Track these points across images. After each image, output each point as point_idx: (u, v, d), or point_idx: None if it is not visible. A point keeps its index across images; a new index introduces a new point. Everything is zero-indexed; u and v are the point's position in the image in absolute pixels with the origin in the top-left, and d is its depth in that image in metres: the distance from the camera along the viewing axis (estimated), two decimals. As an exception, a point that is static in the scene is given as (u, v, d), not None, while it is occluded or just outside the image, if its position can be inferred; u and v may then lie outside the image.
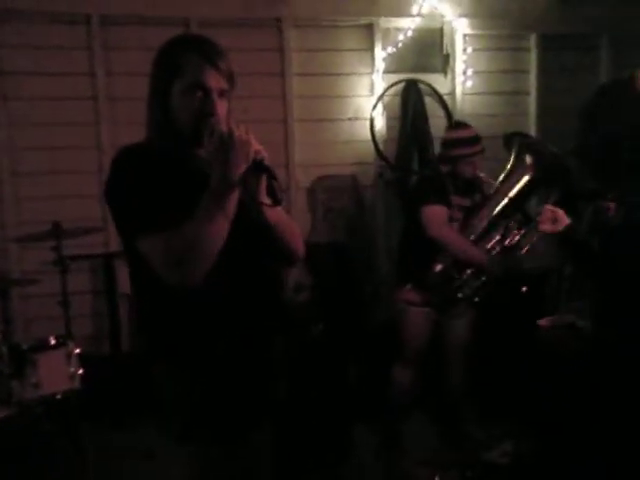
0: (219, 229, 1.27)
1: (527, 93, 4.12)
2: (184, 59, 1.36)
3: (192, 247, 1.25)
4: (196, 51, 1.37)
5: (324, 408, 3.07)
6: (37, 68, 3.40)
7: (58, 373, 2.61)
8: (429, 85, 3.93)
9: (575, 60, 4.10)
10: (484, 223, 2.75)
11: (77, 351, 2.70)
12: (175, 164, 1.37)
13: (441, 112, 3.99)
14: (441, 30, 3.94)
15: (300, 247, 1.56)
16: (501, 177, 2.77)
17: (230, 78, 1.40)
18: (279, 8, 3.69)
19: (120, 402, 3.00)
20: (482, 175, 2.77)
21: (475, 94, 4.03)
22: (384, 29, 3.85)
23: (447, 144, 2.85)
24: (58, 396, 2.59)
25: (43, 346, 2.64)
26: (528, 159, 2.69)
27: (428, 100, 3.94)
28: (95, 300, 3.56)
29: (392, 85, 3.87)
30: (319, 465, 2.80)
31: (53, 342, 2.67)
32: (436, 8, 3.84)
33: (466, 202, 2.82)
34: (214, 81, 1.36)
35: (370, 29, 3.84)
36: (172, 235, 1.25)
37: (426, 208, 2.72)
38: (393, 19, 3.84)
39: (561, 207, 2.55)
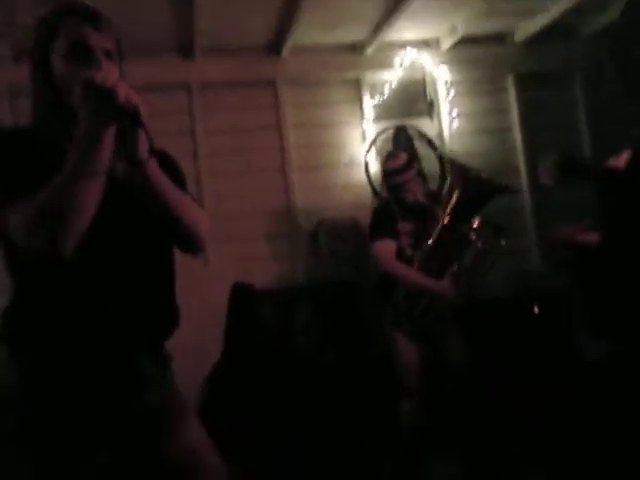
0: (88, 187, 1.13)
1: (510, 130, 4.35)
2: (60, 22, 1.27)
3: (58, 206, 1.12)
4: (73, 12, 1.29)
5: (340, 446, 3.07)
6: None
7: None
8: (417, 129, 4.18)
9: (552, 97, 4.36)
10: (429, 247, 2.84)
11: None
12: (45, 147, 1.24)
13: (432, 153, 4.21)
14: (423, 79, 4.23)
15: (201, 228, 1.36)
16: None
17: (116, 42, 1.31)
18: (273, 69, 4.00)
19: None
20: (423, 199, 2.91)
21: (462, 135, 4.26)
22: (370, 82, 4.15)
23: (383, 175, 3.05)
24: None
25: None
26: (456, 181, 2.83)
27: (418, 143, 4.17)
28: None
29: (382, 132, 4.12)
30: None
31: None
32: (417, 59, 4.14)
33: (411, 227, 2.93)
34: (95, 39, 1.26)
35: (357, 83, 4.14)
36: (37, 198, 1.13)
37: (373, 244, 2.91)
38: (378, 72, 4.14)
39: None
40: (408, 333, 2.90)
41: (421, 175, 3.09)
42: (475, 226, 2.80)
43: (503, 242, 2.83)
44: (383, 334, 3.11)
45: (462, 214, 2.80)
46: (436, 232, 2.82)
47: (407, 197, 2.94)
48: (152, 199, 1.27)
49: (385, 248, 2.88)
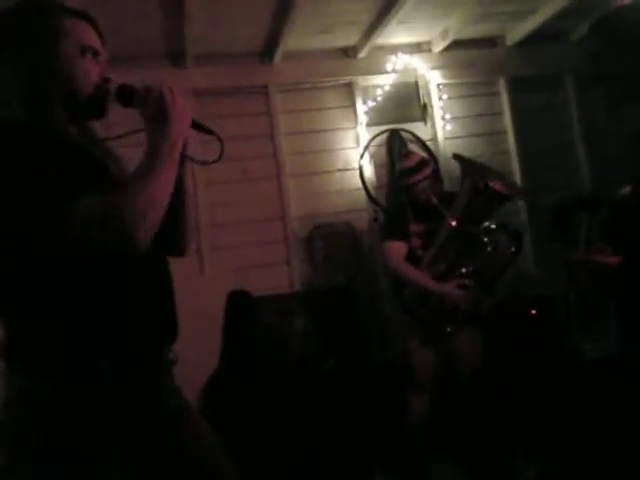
0: (168, 185, 1.20)
1: (504, 133, 4.35)
2: (64, 20, 1.28)
3: (151, 200, 1.14)
4: (77, 14, 1.30)
5: (342, 450, 3.05)
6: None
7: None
8: (411, 133, 4.17)
9: (544, 99, 4.37)
10: (436, 249, 2.81)
11: None
12: (53, 140, 1.22)
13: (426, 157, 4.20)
14: (416, 82, 4.23)
15: (193, 237, 1.49)
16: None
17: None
18: (265, 76, 3.99)
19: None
20: (435, 201, 2.83)
21: (456, 138, 4.26)
22: (363, 86, 4.14)
23: (398, 175, 3.04)
24: None
25: None
26: (467, 181, 2.77)
27: (412, 147, 4.16)
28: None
29: (376, 136, 4.11)
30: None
31: None
32: (409, 63, 4.14)
33: (423, 228, 2.92)
34: (102, 49, 1.33)
35: (350, 87, 4.13)
36: (119, 190, 1.15)
37: (385, 244, 2.93)
38: (370, 77, 4.13)
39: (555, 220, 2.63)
40: (422, 337, 2.89)
41: (436, 176, 3.02)
42: (488, 228, 2.75)
43: (513, 249, 2.74)
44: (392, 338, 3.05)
45: (475, 215, 2.74)
46: (444, 233, 2.78)
47: (420, 197, 2.90)
48: (182, 196, 1.39)
49: (395, 249, 2.88)
